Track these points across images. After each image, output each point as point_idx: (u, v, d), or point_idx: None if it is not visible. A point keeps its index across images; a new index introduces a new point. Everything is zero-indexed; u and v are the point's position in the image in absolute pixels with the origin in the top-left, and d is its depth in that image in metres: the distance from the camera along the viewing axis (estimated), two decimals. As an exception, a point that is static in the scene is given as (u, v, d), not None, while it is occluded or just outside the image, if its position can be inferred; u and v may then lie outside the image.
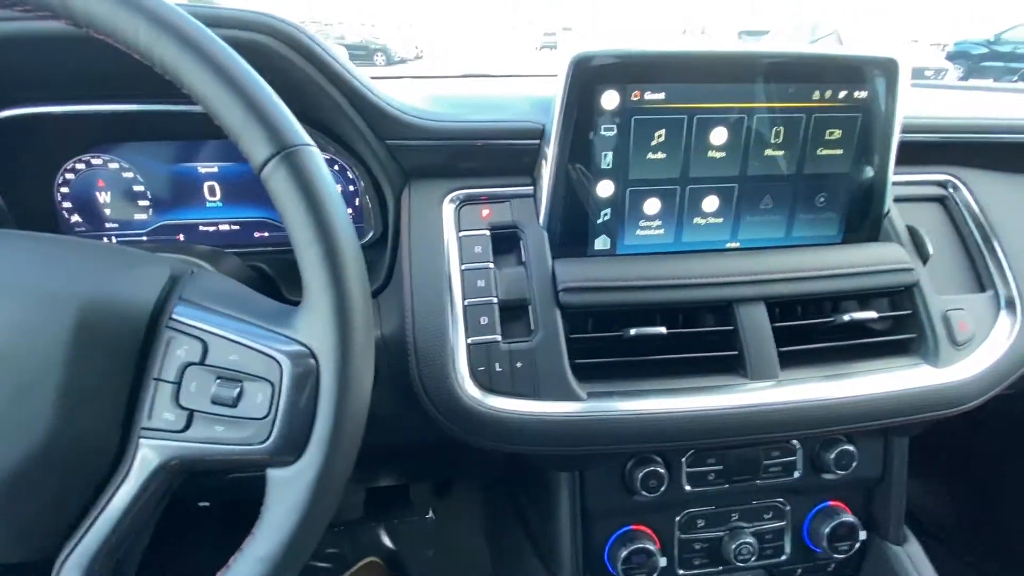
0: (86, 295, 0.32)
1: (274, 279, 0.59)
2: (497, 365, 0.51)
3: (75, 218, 0.63)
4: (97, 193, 0.63)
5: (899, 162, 0.58)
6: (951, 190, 0.66)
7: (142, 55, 0.31)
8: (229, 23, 0.46)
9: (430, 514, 1.10)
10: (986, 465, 1.18)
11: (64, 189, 0.62)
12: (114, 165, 0.62)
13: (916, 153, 0.63)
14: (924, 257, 0.59)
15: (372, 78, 0.56)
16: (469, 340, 0.51)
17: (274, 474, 0.32)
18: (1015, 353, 0.58)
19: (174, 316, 0.33)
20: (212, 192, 0.65)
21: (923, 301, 0.57)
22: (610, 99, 0.51)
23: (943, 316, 0.57)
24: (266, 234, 0.67)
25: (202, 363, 0.32)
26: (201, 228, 0.66)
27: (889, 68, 0.54)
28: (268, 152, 0.32)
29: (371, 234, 0.64)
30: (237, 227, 0.66)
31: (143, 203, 0.64)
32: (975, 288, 0.62)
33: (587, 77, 0.50)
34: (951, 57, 9.49)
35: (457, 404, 0.50)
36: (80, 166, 0.61)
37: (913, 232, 0.60)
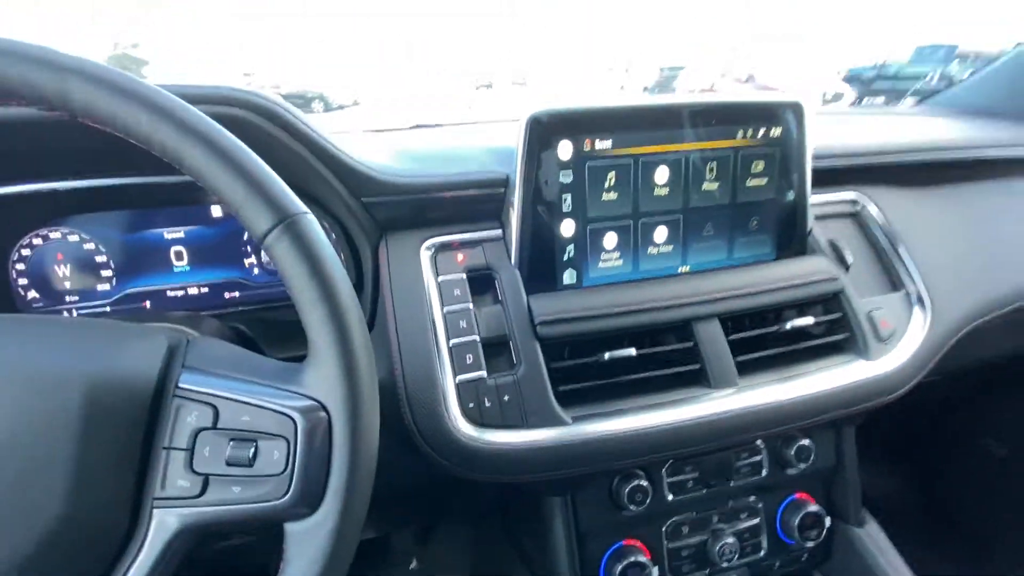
0: (89, 375, 0.33)
1: (252, 338, 0.60)
2: (486, 400, 0.53)
3: (32, 294, 0.61)
4: (56, 267, 0.61)
5: (815, 185, 0.67)
6: (861, 206, 0.75)
7: (141, 141, 0.33)
8: (212, 100, 0.48)
9: (413, 564, 1.07)
10: (926, 447, 1.30)
11: (20, 266, 0.60)
12: (74, 237, 0.61)
13: (829, 177, 0.72)
14: (845, 266, 0.67)
15: (336, 134, 0.58)
16: (457, 379, 0.54)
17: (293, 528, 0.33)
18: (929, 342, 0.66)
19: (181, 384, 0.34)
20: (179, 257, 0.65)
21: (849, 304, 0.65)
22: (565, 149, 0.57)
23: (868, 316, 0.65)
24: (237, 294, 0.67)
25: (214, 427, 0.33)
26: (169, 293, 0.65)
27: (796, 109, 0.63)
28: (269, 223, 0.34)
29: None
30: (207, 289, 0.66)
31: (106, 273, 0.63)
32: (890, 289, 0.71)
33: (542, 132, 0.55)
34: (847, 80, 10.68)
35: (452, 442, 0.52)
36: (37, 241, 0.60)
37: (834, 245, 0.68)
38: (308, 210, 0.36)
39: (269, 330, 0.61)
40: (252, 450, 0.33)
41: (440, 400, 0.53)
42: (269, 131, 0.51)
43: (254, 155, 0.36)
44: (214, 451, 0.33)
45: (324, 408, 0.34)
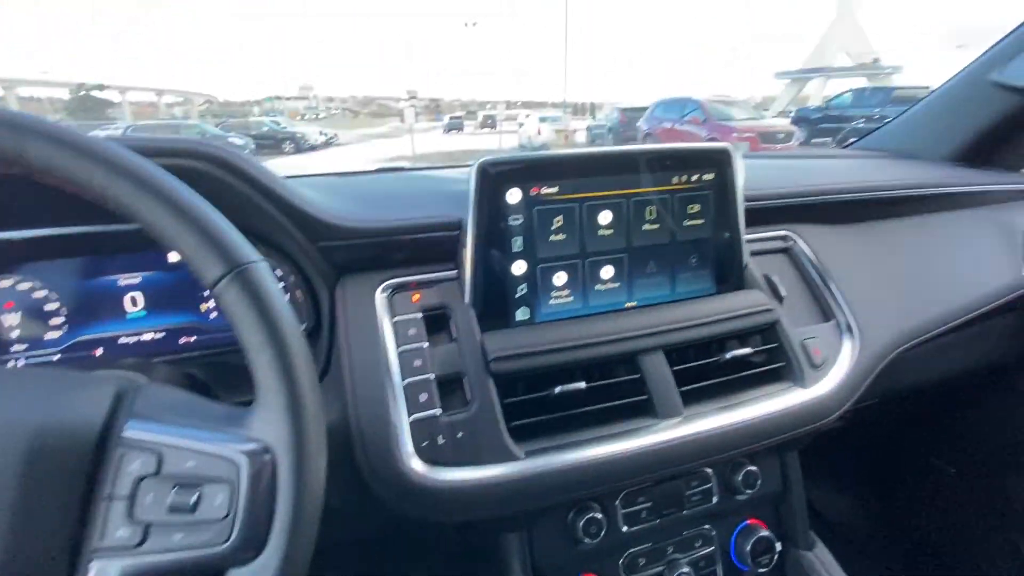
0: (32, 424, 0.33)
1: (207, 384, 0.60)
2: (440, 438, 0.55)
3: None
4: (4, 316, 0.61)
5: (750, 224, 0.72)
6: (791, 242, 0.81)
7: (97, 198, 0.35)
8: (169, 153, 0.50)
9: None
10: (878, 469, 1.35)
11: None
12: (25, 285, 0.60)
13: (761, 215, 0.78)
14: (779, 298, 0.72)
15: (294, 177, 0.60)
16: (411, 417, 0.55)
17: (236, 574, 0.34)
18: (859, 368, 0.71)
19: (125, 433, 0.35)
20: (134, 303, 0.65)
21: (784, 334, 0.70)
22: (514, 195, 0.60)
23: (801, 344, 0.70)
24: (193, 339, 0.67)
25: (158, 474, 0.34)
26: (121, 340, 0.65)
27: (725, 155, 0.68)
28: (220, 272, 0.36)
29: (304, 326, 0.66)
30: (162, 335, 0.66)
31: (56, 321, 0.62)
32: (821, 319, 0.76)
33: (492, 180, 0.59)
34: (795, 121, 11.53)
35: (405, 481, 0.53)
36: None
37: (768, 279, 0.73)
38: (260, 258, 0.38)
39: (225, 375, 0.61)
40: (195, 496, 0.33)
41: (393, 439, 0.53)
42: (227, 181, 0.53)
43: (206, 205, 0.38)
44: (157, 498, 0.33)
45: (269, 451, 0.35)
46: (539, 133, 14.01)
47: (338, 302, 0.61)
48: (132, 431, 0.35)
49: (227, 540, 0.33)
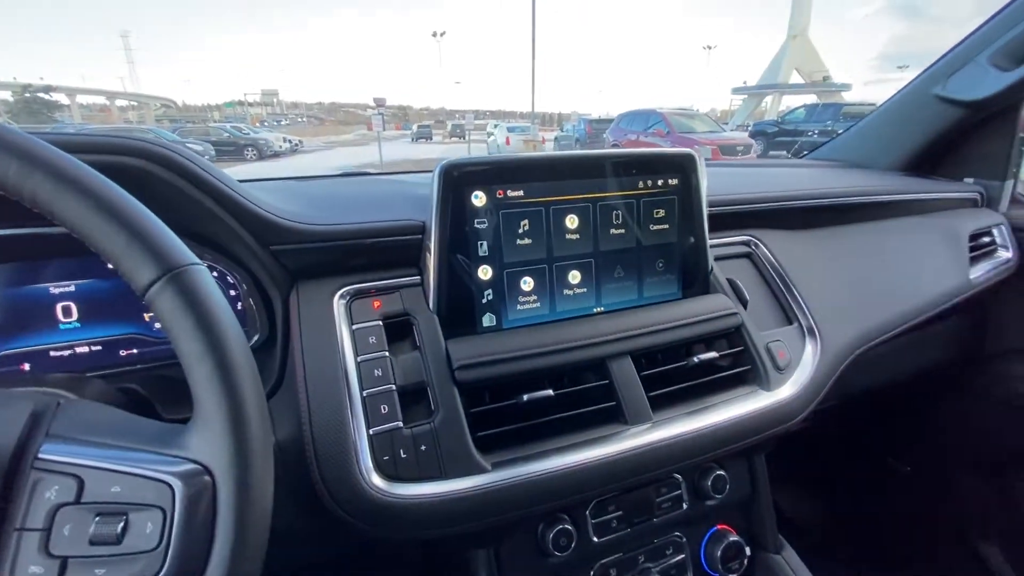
0: None
1: (149, 399, 0.55)
2: (402, 451, 0.52)
3: None
4: None
5: (713, 229, 0.73)
6: (754, 247, 0.83)
7: (11, 192, 0.32)
8: (103, 149, 0.46)
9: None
10: (840, 471, 1.39)
11: None
12: None
13: (725, 221, 0.80)
14: (744, 302, 0.73)
15: (252, 180, 0.57)
16: (371, 431, 0.52)
17: None
18: (821, 370, 0.72)
19: (40, 455, 0.31)
20: (67, 312, 0.60)
21: (749, 338, 0.70)
22: (479, 198, 0.59)
23: (766, 347, 0.71)
24: (135, 351, 0.62)
25: (77, 502, 0.30)
26: (52, 354, 0.59)
27: (689, 160, 0.69)
28: (152, 276, 0.33)
29: (257, 336, 0.63)
30: (99, 347, 0.61)
31: None
32: (784, 322, 0.77)
33: (456, 182, 0.57)
34: (753, 135, 12.13)
35: (364, 499, 0.50)
36: None
37: (732, 283, 0.74)
38: (197, 260, 0.35)
39: (171, 390, 0.56)
40: (121, 524, 0.30)
41: (351, 454, 0.51)
42: (169, 180, 0.50)
43: (135, 203, 0.34)
44: (76, 529, 0.30)
45: (208, 471, 0.32)
46: (508, 143, 14.13)
47: (292, 309, 0.57)
48: (49, 454, 0.31)
49: (159, 573, 0.30)
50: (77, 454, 0.31)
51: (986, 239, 1.07)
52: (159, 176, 0.49)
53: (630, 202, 0.66)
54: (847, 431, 1.32)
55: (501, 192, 0.60)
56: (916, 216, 1.05)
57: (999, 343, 1.13)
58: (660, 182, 0.67)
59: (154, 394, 0.56)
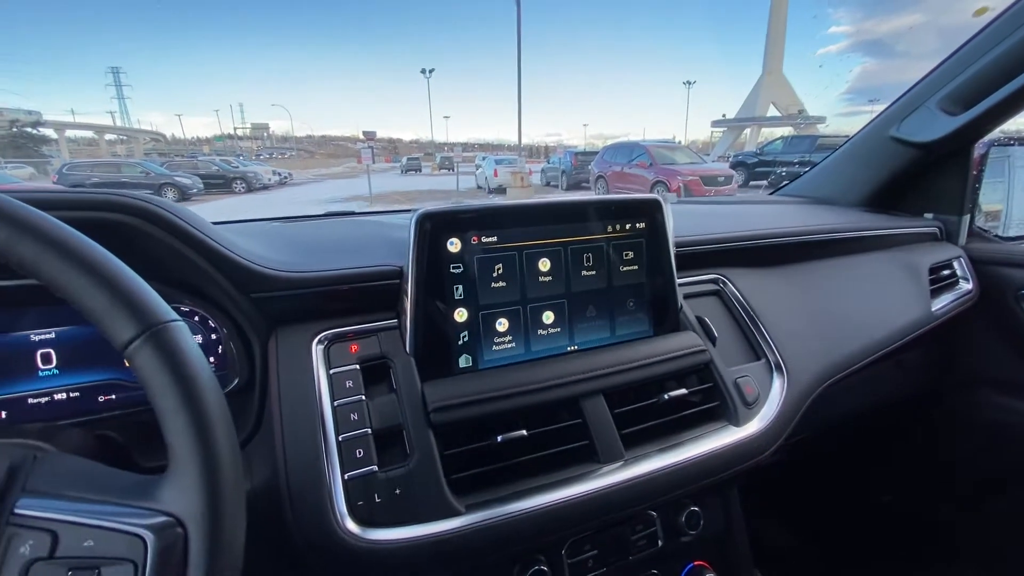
0: None
1: (125, 446, 0.56)
2: (376, 496, 0.52)
3: None
4: None
5: (682, 268, 0.76)
6: (722, 285, 0.86)
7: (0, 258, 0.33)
8: (85, 205, 0.48)
9: None
10: (810, 502, 1.39)
11: None
12: None
13: (694, 260, 0.83)
14: (712, 339, 0.75)
15: (228, 223, 0.58)
16: (346, 475, 0.53)
17: None
18: (788, 404, 0.75)
19: (16, 511, 0.32)
20: (47, 360, 0.60)
21: (719, 374, 0.73)
22: (454, 244, 0.61)
23: (735, 383, 0.73)
24: (113, 397, 0.62)
25: (51, 557, 0.31)
26: (30, 401, 0.60)
27: (655, 205, 0.72)
28: (131, 334, 0.34)
29: (236, 381, 0.63)
30: (77, 393, 0.61)
31: None
32: (752, 358, 0.80)
33: (431, 229, 0.60)
34: (734, 166, 12.58)
35: (337, 544, 0.50)
36: None
37: (701, 321, 0.77)
38: (175, 317, 0.36)
39: (149, 435, 0.57)
40: None
41: (326, 499, 0.51)
42: (151, 233, 0.52)
43: (114, 261, 0.36)
44: None
45: (180, 523, 0.33)
46: (496, 175, 14.39)
47: (271, 354, 0.59)
48: (25, 508, 0.32)
49: None
50: (52, 508, 0.32)
51: (946, 271, 1.12)
52: (141, 230, 0.51)
53: (600, 245, 0.69)
54: (821, 462, 1.33)
55: (476, 238, 0.62)
56: (878, 251, 1.09)
57: (962, 372, 1.17)
58: (628, 226, 0.71)
59: (131, 440, 0.56)
